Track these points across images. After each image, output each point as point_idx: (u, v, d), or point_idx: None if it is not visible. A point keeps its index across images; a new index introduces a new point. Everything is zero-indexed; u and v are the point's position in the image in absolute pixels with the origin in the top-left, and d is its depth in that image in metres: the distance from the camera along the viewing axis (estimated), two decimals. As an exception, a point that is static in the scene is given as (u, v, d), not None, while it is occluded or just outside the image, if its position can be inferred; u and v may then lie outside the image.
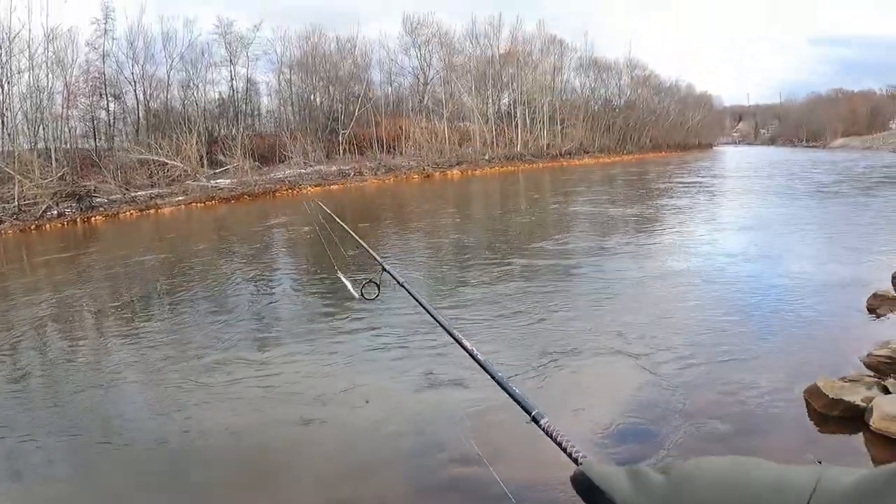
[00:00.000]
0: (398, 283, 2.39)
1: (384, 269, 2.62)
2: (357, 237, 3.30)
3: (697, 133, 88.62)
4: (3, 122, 34.57)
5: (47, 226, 29.99)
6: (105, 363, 8.14)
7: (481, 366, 1.56)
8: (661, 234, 15.69)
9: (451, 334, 1.73)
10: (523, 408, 1.29)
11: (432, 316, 1.88)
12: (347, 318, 9.25)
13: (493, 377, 1.47)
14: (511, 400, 1.36)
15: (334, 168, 41.43)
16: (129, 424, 6.16)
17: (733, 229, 15.71)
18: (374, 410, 6.08)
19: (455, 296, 10.31)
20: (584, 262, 12.39)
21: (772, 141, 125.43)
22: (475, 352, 1.60)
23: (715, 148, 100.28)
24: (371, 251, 2.81)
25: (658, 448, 4.98)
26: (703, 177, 35.82)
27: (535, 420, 1.23)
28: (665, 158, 62.62)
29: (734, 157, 65.20)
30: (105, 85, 40.55)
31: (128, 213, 32.10)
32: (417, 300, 2.03)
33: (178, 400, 6.62)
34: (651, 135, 72.62)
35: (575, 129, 61.55)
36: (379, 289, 2.66)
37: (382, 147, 47.68)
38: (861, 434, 4.96)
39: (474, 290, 10.60)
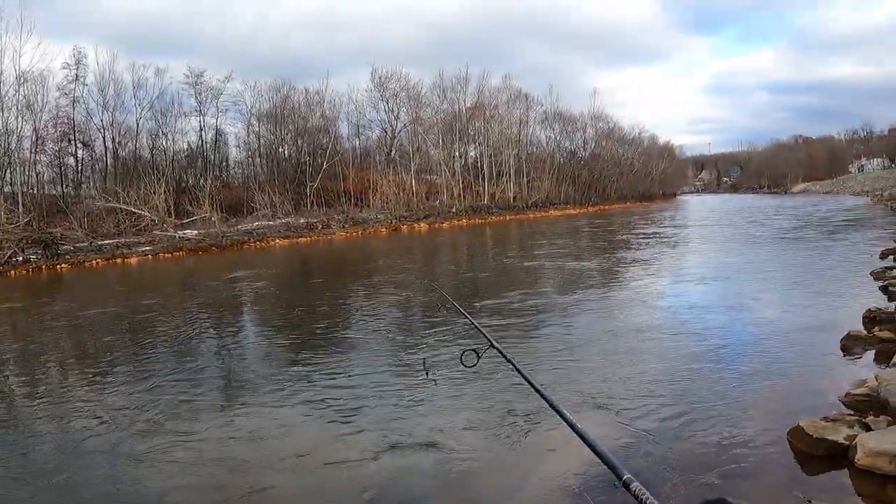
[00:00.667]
0: (505, 358, 2.64)
1: (492, 345, 2.90)
2: (468, 315, 3.48)
3: (661, 183, 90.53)
4: (-30, 166, 34.20)
5: (12, 272, 29.51)
6: (58, 419, 7.80)
7: (581, 436, 1.73)
8: (625, 288, 15.58)
9: (556, 410, 1.93)
10: (615, 472, 1.32)
11: (536, 390, 2.04)
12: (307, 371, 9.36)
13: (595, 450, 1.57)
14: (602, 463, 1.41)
15: (302, 220, 41.38)
16: (84, 484, 5.88)
17: (697, 280, 15.65)
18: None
19: (417, 353, 9.99)
20: (549, 318, 12.04)
21: (734, 188, 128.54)
22: (577, 425, 1.77)
23: (678, 197, 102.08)
24: (480, 328, 3.02)
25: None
26: (666, 227, 36.42)
27: (625, 485, 1.23)
28: (629, 209, 63.60)
29: (697, 206, 66.66)
30: (74, 131, 40.40)
31: (94, 261, 31.62)
32: (522, 374, 2.25)
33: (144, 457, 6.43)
34: (615, 186, 74.10)
35: (541, 181, 62.43)
36: (479, 358, 2.88)
37: (350, 199, 47.88)
38: (846, 471, 4.99)
39: (436, 348, 10.12)
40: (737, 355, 8.48)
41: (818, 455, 5.24)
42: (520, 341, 10.48)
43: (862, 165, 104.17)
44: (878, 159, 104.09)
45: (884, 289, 11.84)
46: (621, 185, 75.71)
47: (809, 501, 4.56)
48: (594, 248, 27.01)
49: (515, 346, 10.03)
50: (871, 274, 13.56)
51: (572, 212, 60.93)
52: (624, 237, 30.68)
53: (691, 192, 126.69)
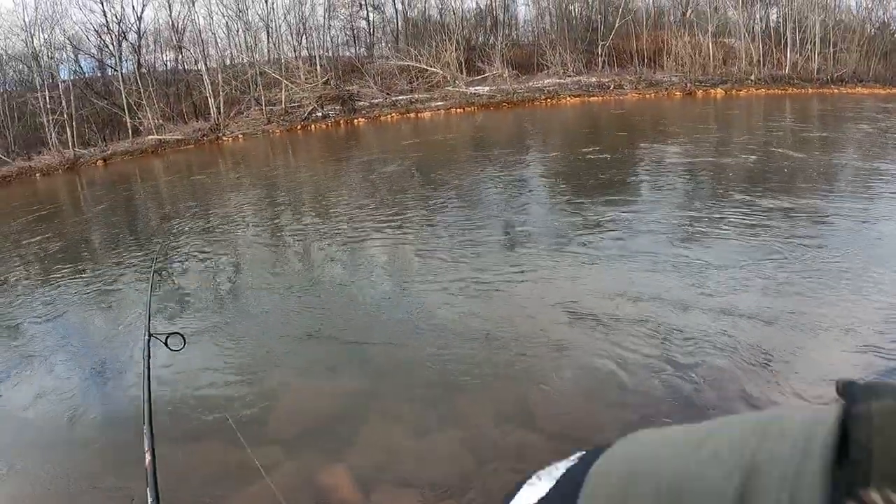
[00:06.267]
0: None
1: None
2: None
3: None
4: (268, 31, 34.97)
5: (313, 127, 30.12)
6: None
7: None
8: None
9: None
10: None
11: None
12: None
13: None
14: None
15: (594, 79, 36.94)
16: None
17: None
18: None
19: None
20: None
21: None
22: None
23: None
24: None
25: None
26: None
27: None
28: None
29: None
30: (364, -4, 39.98)
31: (389, 116, 30.87)
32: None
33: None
34: (936, 62, 61.77)
35: (848, 53, 52.89)
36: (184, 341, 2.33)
37: (643, 60, 42.53)
38: None
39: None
40: None
41: None
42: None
43: None
44: None
45: None
46: (943, 62, 62.75)
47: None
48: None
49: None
50: None
51: (881, 91, 50.74)
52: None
53: None
